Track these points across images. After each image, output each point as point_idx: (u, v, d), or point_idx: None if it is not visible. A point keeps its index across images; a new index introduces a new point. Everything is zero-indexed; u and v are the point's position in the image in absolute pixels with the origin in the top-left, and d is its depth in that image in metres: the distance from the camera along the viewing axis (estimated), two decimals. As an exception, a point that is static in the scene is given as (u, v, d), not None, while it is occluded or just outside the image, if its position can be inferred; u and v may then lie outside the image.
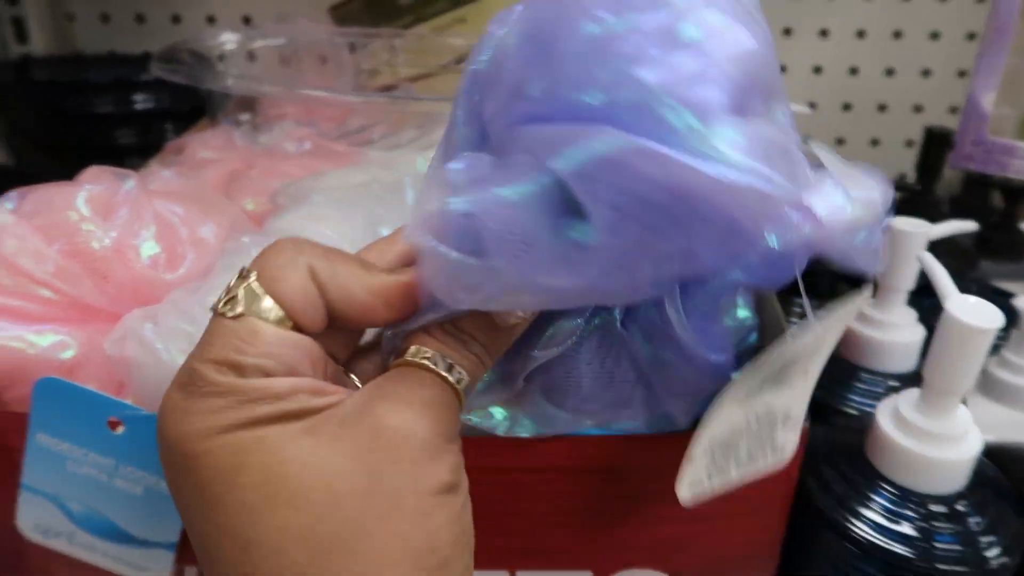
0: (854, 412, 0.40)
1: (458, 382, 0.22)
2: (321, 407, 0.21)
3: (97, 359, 0.32)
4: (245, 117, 0.57)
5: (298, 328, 0.22)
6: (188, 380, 0.21)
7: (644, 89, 0.19)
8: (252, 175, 0.51)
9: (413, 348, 0.22)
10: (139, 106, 0.65)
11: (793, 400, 0.26)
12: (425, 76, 0.60)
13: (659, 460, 0.28)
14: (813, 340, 0.24)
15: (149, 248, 0.33)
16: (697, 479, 0.25)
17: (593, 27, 0.20)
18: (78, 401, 0.30)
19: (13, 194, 0.32)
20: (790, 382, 0.25)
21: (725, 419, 0.24)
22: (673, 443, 0.25)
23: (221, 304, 0.22)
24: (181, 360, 0.29)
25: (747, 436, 0.25)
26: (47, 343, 0.31)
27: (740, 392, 0.24)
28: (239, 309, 0.21)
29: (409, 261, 0.23)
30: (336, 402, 0.21)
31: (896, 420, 0.32)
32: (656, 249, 0.20)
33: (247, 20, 0.74)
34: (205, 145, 0.55)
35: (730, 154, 0.19)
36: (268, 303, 0.22)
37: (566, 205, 0.20)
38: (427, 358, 0.22)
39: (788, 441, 0.26)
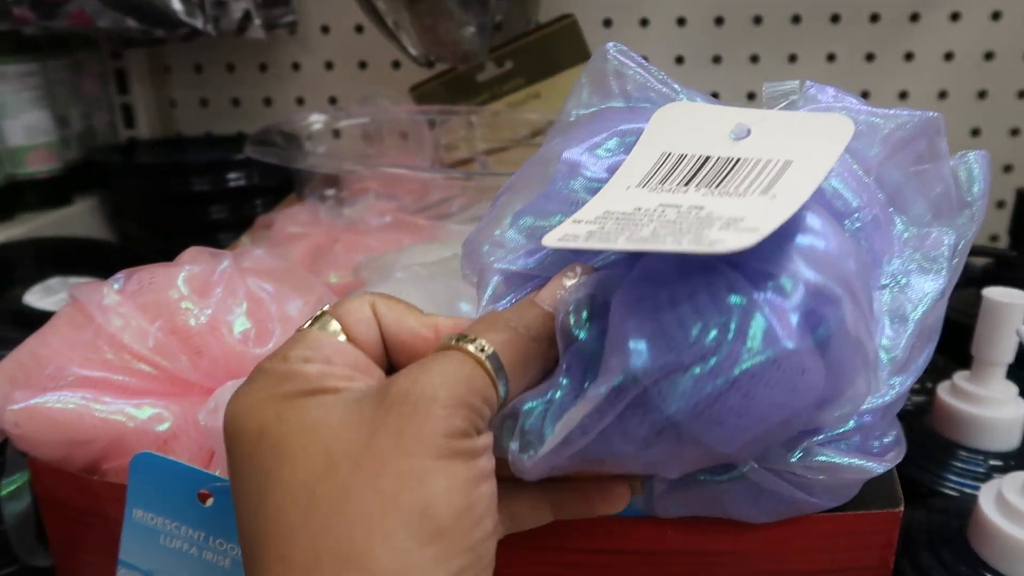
0: (953, 493, 0.38)
1: (481, 350, 0.22)
2: (344, 388, 0.22)
3: (190, 431, 0.33)
4: (330, 192, 0.60)
5: (356, 342, 0.24)
6: (250, 375, 0.24)
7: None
8: (336, 249, 0.53)
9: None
10: (232, 184, 0.69)
11: (747, 211, 0.22)
12: (500, 150, 0.62)
13: (743, 544, 0.27)
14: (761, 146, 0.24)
15: (241, 324, 0.35)
16: (573, 235, 0.23)
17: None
18: (171, 474, 0.31)
19: (120, 275, 0.34)
20: (740, 191, 0.23)
21: (631, 201, 0.24)
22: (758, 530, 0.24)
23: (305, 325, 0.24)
24: None
25: (656, 220, 0.23)
26: (145, 416, 0.32)
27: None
28: (307, 324, 0.24)
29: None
30: (364, 384, 0.22)
31: (1001, 505, 0.30)
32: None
33: (333, 100, 0.78)
34: (292, 220, 0.58)
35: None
36: (328, 319, 0.24)
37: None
38: (453, 339, 0.23)
39: (727, 239, 0.21)
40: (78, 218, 0.68)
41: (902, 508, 0.27)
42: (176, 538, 0.31)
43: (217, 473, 0.32)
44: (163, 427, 0.33)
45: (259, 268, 0.38)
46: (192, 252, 0.37)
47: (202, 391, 0.34)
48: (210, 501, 0.31)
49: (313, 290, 0.39)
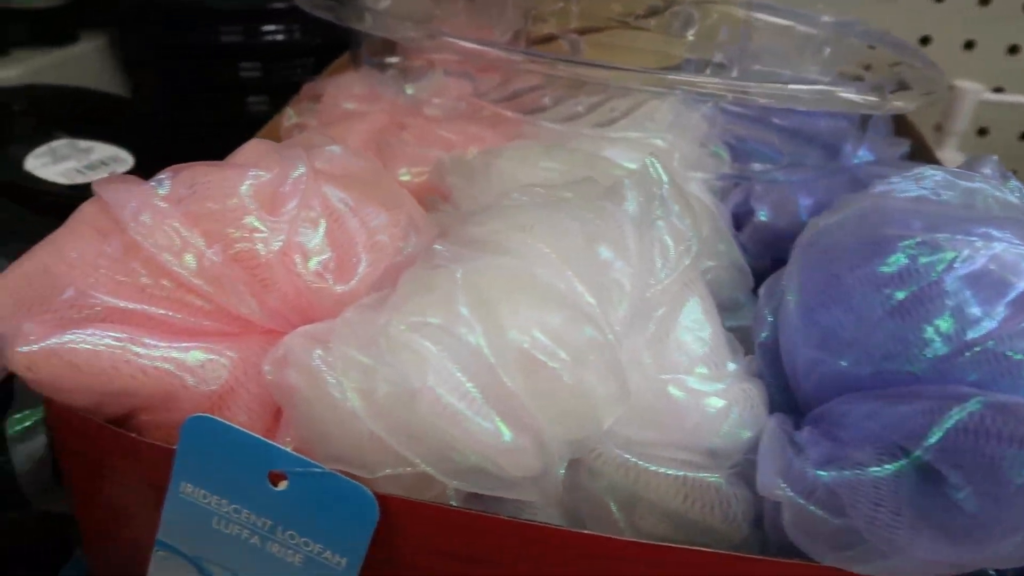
0: None
1: None
2: None
3: (251, 385, 0.26)
4: (393, 60, 0.50)
5: None
6: None
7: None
8: (404, 138, 0.44)
9: None
10: (267, 38, 0.58)
11: None
12: (596, 30, 0.52)
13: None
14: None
15: (319, 252, 0.27)
16: None
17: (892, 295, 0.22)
18: (236, 446, 0.24)
19: (166, 174, 0.25)
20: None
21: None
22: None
23: None
24: (354, 400, 0.23)
25: None
26: (196, 363, 0.25)
27: None
28: None
29: None
30: None
31: None
32: None
33: (390, -55, 0.65)
34: (346, 93, 0.49)
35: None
36: None
37: (930, 474, 0.20)
38: None
39: None
40: (83, 60, 0.57)
41: None
42: (234, 523, 0.25)
43: (287, 442, 0.25)
44: (218, 379, 0.25)
45: (336, 172, 0.30)
46: (256, 148, 0.28)
47: (264, 334, 0.27)
48: (283, 484, 0.24)
49: (402, 203, 0.30)
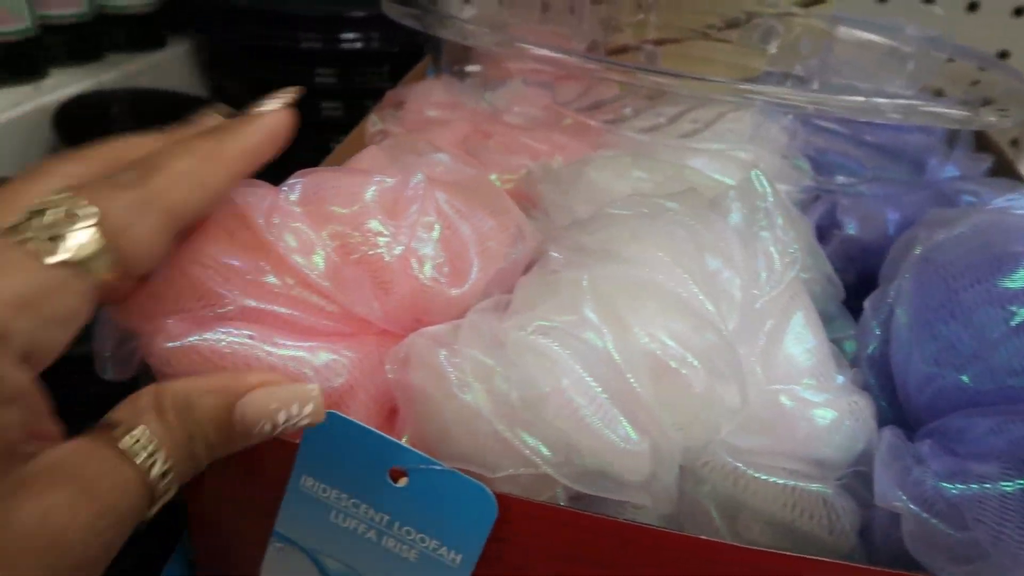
0: None
1: (163, 476, 0.20)
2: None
3: (368, 384, 0.27)
4: (473, 69, 0.51)
5: None
6: None
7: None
8: (490, 146, 0.44)
9: (123, 429, 0.20)
10: (345, 45, 0.59)
11: None
12: (672, 41, 0.52)
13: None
14: None
15: (434, 256, 0.27)
16: None
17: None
18: (358, 442, 0.25)
19: (297, 179, 0.26)
20: None
21: None
22: None
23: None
24: (480, 400, 0.24)
25: None
26: (321, 363, 0.26)
27: None
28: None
29: None
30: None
31: None
32: None
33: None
34: (427, 100, 0.50)
35: None
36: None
37: None
38: (135, 443, 0.19)
39: None
40: (170, 64, 0.59)
41: None
42: (352, 517, 0.26)
43: (406, 438, 0.26)
44: (339, 377, 0.26)
45: (446, 179, 0.30)
46: (373, 155, 0.29)
47: (378, 335, 0.28)
48: (403, 481, 0.25)
49: (508, 210, 0.31)
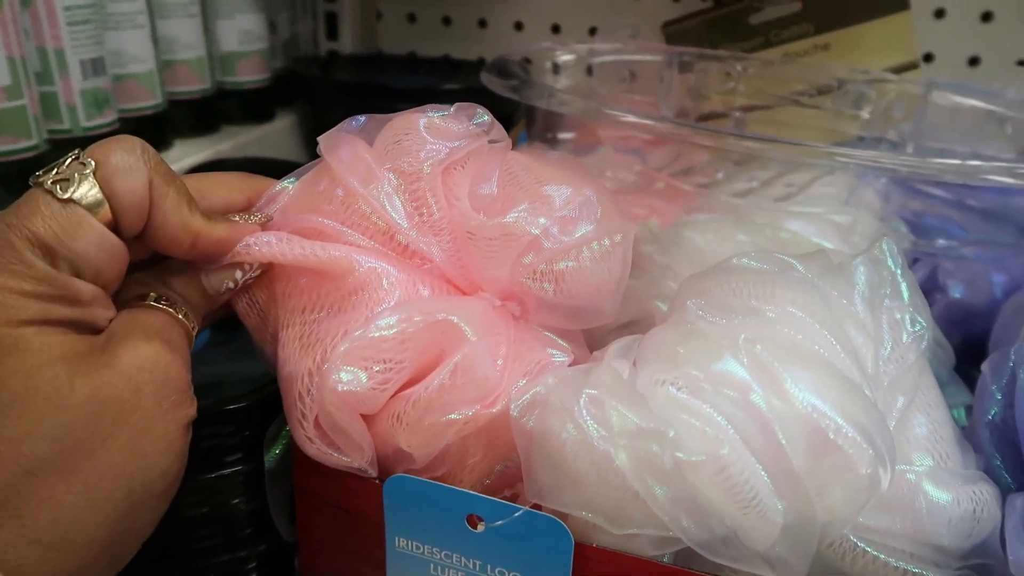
0: None
1: (185, 316, 0.25)
2: (102, 326, 0.23)
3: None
4: (565, 136, 0.53)
5: (117, 232, 0.23)
6: None
7: None
8: (586, 209, 0.46)
9: (153, 297, 0.25)
10: (440, 114, 0.62)
11: None
12: (763, 108, 0.53)
13: None
14: None
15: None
16: None
17: None
18: (431, 498, 0.26)
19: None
20: None
21: None
22: None
23: (50, 180, 0.22)
24: (622, 459, 0.23)
25: None
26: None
27: None
28: (70, 193, 0.22)
29: (248, 205, 0.28)
30: (105, 331, 0.23)
31: None
32: None
33: (556, 28, 0.70)
34: (522, 166, 0.51)
35: None
36: (99, 198, 0.22)
37: None
38: (165, 302, 0.25)
39: None
40: (278, 135, 0.63)
41: None
42: (450, 568, 0.27)
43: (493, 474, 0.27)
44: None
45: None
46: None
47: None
48: (481, 526, 0.25)
49: (589, 187, 0.30)
